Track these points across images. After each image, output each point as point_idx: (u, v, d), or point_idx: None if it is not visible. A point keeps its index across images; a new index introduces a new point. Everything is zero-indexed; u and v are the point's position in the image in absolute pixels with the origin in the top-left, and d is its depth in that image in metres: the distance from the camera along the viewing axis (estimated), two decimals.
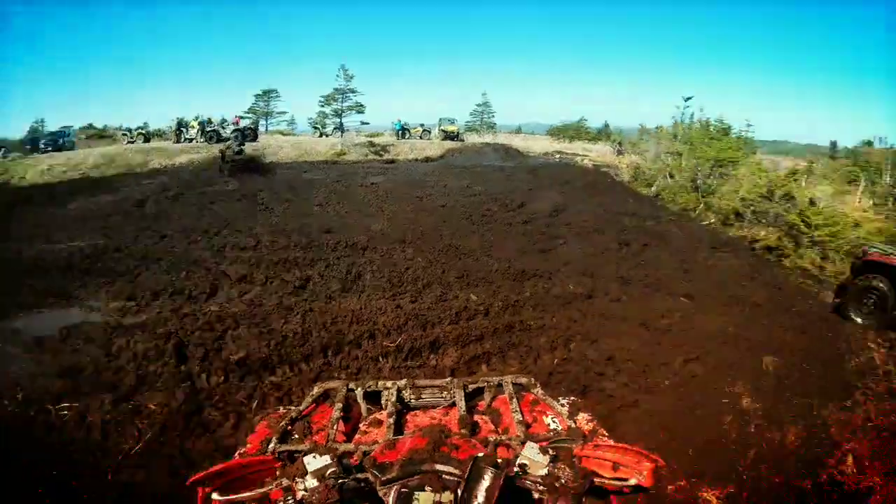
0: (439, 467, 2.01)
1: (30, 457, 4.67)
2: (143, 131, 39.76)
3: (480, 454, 2.01)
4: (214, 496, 2.09)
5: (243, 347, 6.60)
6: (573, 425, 2.91)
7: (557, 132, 56.46)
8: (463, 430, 2.75)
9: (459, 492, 1.90)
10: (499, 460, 2.01)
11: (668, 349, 7.56)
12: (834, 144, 49.79)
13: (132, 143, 37.86)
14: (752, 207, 16.89)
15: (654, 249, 12.79)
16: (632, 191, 20.65)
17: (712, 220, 17.44)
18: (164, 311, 7.76)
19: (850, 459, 5.98)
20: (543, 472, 2.16)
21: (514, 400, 3.13)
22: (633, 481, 2.33)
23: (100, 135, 51.55)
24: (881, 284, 9.53)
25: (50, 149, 35.57)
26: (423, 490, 1.94)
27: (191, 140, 34.31)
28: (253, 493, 2.13)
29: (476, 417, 3.12)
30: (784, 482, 5.59)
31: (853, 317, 9.78)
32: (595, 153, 36.94)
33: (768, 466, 5.71)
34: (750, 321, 8.81)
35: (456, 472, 1.98)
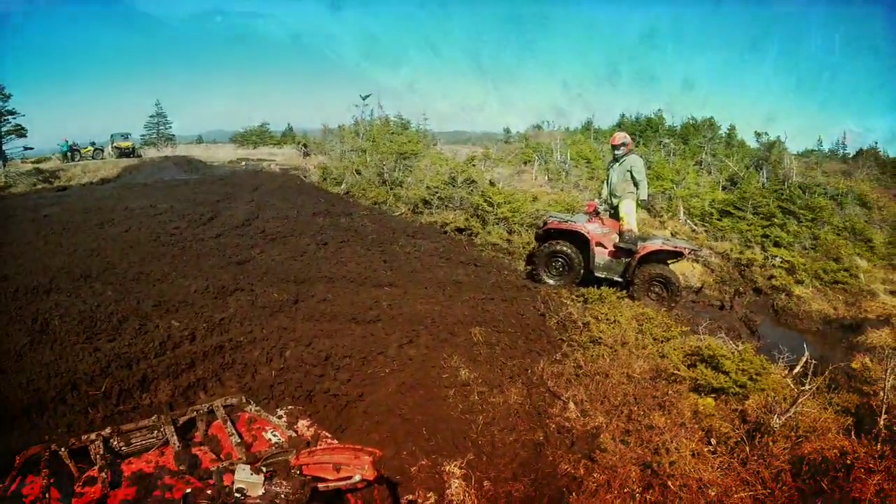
0: None
1: None
2: None
3: (189, 490, 2.11)
4: None
5: None
6: (294, 434, 3.13)
7: (241, 138, 55.53)
8: (181, 467, 2.84)
9: None
10: (208, 491, 2.11)
11: (381, 338, 7.94)
12: (507, 131, 54.47)
13: None
14: (437, 194, 18.06)
15: (352, 245, 13.19)
16: (322, 190, 20.88)
17: (403, 210, 18.36)
18: None
19: (571, 405, 6.82)
20: (261, 491, 2.32)
21: (229, 423, 3.23)
22: (357, 477, 2.58)
23: None
24: (565, 248, 11.01)
25: None
26: None
27: None
28: None
29: (194, 450, 3.15)
30: (517, 439, 6.27)
31: (546, 279, 11.35)
32: (281, 157, 36.87)
33: (499, 428, 6.34)
34: (454, 299, 9.54)
35: None
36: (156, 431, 3.40)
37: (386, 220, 16.87)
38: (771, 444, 5.95)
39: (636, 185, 10.75)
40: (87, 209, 18.86)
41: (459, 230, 15.97)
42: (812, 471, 5.40)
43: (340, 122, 30.22)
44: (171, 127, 63.59)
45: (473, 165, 20.86)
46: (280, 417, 3.35)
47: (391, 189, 19.90)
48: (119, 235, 14.36)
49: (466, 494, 5.36)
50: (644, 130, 44.52)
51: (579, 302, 9.80)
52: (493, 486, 5.56)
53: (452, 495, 5.31)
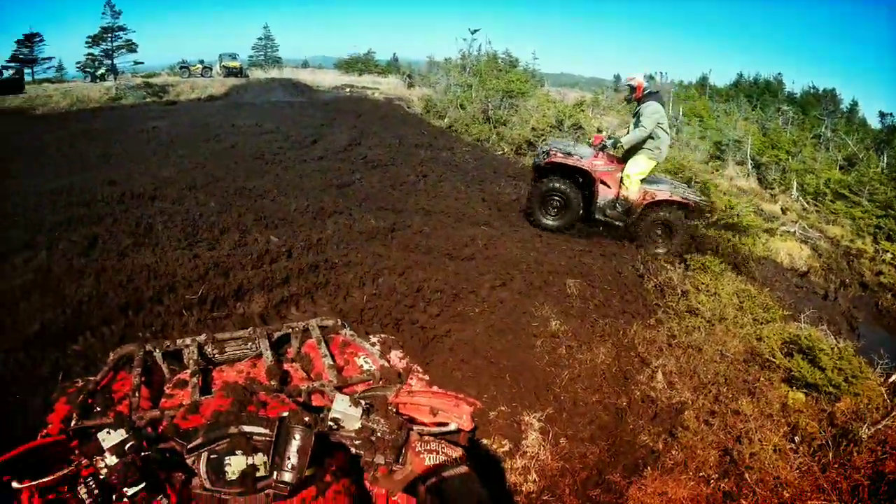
0: (247, 429, 1.97)
1: None
2: None
3: (286, 412, 1.98)
4: (14, 484, 2.00)
5: (37, 319, 6.18)
6: (386, 364, 2.99)
7: (346, 65, 55.48)
8: (272, 382, 2.74)
9: (272, 452, 1.87)
10: (307, 418, 1.98)
11: (474, 277, 7.73)
12: (618, 78, 52.33)
13: None
14: (543, 137, 17.39)
15: (452, 180, 13.02)
16: (425, 122, 20.72)
17: (505, 150, 17.92)
18: None
19: (659, 375, 6.51)
20: (357, 425, 2.16)
21: (323, 344, 3.13)
22: (453, 426, 2.41)
23: None
24: (562, 186, 9.88)
25: None
26: (234, 454, 1.91)
27: None
28: (55, 476, 2.01)
29: (286, 366, 3.07)
30: (600, 401, 6.04)
31: (542, 220, 10.24)
32: (386, 86, 36.52)
33: (583, 386, 6.11)
34: (551, 247, 9.24)
35: (266, 432, 1.94)
36: (250, 343, 3.33)
37: (488, 158, 16.55)
38: (855, 454, 5.50)
39: (652, 137, 9.27)
40: (194, 124, 19.35)
41: None
42: (891, 492, 4.98)
43: (447, 55, 29.72)
44: (277, 50, 64.43)
45: (582, 111, 20.07)
46: (373, 345, 3.18)
47: (494, 127, 19.33)
48: (224, 151, 14.61)
49: (542, 448, 5.23)
50: (762, 94, 42.25)
51: (680, 268, 9.29)
52: (569, 444, 5.39)
53: (528, 447, 5.21)
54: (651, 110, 9.11)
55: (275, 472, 1.89)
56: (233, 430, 1.95)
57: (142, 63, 50.02)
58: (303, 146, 15.37)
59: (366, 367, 3.09)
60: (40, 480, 2.03)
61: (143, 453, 1.79)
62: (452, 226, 9.80)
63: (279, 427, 1.88)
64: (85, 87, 35.09)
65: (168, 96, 29.96)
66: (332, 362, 3.00)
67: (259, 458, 1.90)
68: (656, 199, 9.51)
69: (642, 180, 9.44)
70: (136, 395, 2.72)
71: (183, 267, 7.36)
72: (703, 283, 8.58)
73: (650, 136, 9.20)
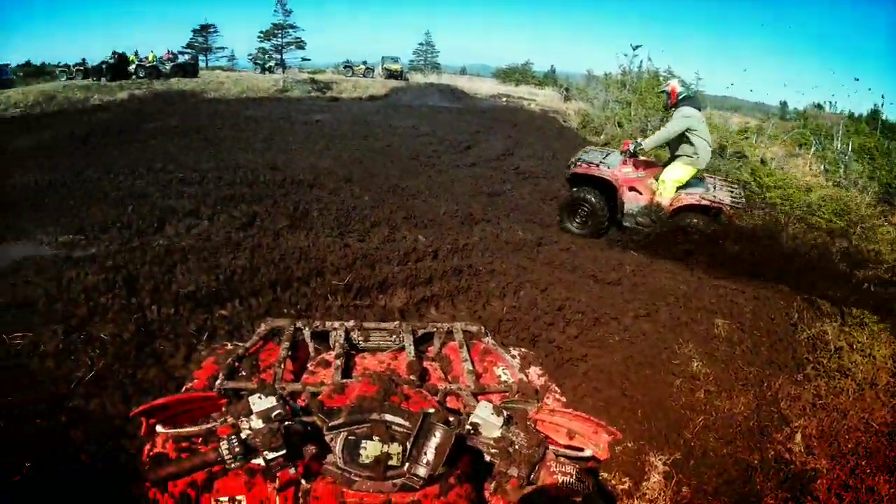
0: (388, 417, 1.96)
1: None
2: (82, 67, 38.46)
3: (432, 409, 2.00)
4: (158, 428, 2.08)
5: (193, 281, 6.59)
6: (524, 379, 2.97)
7: (504, 75, 55.71)
8: (412, 377, 2.76)
9: (408, 445, 1.87)
10: (450, 418, 1.99)
11: (618, 303, 7.35)
12: (784, 105, 49.62)
13: (72, 79, 36.69)
14: None
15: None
16: (580, 137, 20.41)
17: None
18: (113, 245, 7.73)
19: (798, 437, 6.08)
20: (497, 434, 2.14)
21: (465, 348, 3.12)
22: (588, 452, 2.35)
23: (38, 72, 49.86)
24: (588, 195, 9.77)
25: None
26: (371, 439, 1.90)
27: (130, 76, 33.40)
28: (197, 428, 2.11)
29: (425, 364, 3.11)
30: (731, 454, 5.76)
31: (569, 228, 10.04)
32: (542, 97, 36.20)
33: (716, 436, 5.84)
34: (701, 282, 8.89)
35: (406, 424, 1.93)
36: (394, 336, 3.35)
37: None
38: None
39: (689, 143, 8.94)
40: (354, 121, 20.04)
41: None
42: None
43: (606, 69, 29.16)
44: (437, 56, 65.85)
45: (745, 138, 19.11)
46: (514, 357, 3.13)
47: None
48: (381, 149, 15.02)
49: (662, 493, 4.94)
50: None
51: (836, 322, 8.62)
52: (691, 494, 5.11)
53: (648, 489, 4.93)
54: (681, 114, 8.86)
55: (409, 464, 1.87)
56: (375, 416, 1.96)
57: (309, 60, 52.93)
58: (457, 151, 15.53)
59: (504, 377, 3.02)
60: (184, 429, 2.12)
61: (286, 422, 1.79)
62: (601, 247, 9.55)
63: (422, 421, 1.86)
64: (254, 77, 37.23)
65: (331, 93, 31.12)
66: (471, 368, 2.95)
67: (394, 448, 1.88)
68: (683, 203, 9.06)
69: (679, 187, 9.08)
70: (282, 367, 2.78)
71: (333, 254, 7.60)
72: (858, 342, 8.00)
73: (687, 143, 8.94)
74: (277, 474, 1.85)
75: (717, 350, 6.84)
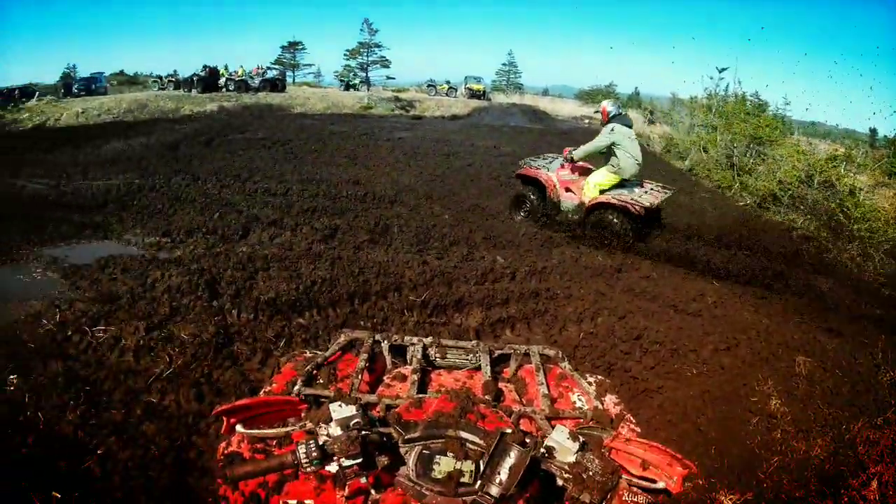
0: (464, 434, 1.95)
1: (65, 371, 4.89)
2: (174, 78, 40.09)
3: (508, 430, 1.96)
4: (238, 427, 2.16)
5: (273, 288, 6.70)
6: (600, 406, 2.89)
7: (586, 96, 55.25)
8: (487, 397, 2.73)
9: (482, 463, 1.84)
10: (527, 440, 1.95)
11: (697, 335, 7.12)
12: (874, 132, 47.63)
13: (163, 89, 38.35)
14: (789, 192, 15.98)
15: (690, 228, 12.45)
16: (664, 162, 20.09)
17: (748, 202, 16.58)
18: (197, 249, 7.95)
19: (874, 485, 5.81)
20: (571, 459, 2.09)
21: (541, 372, 3.07)
22: (661, 485, 2.26)
23: (131, 81, 52.39)
24: (527, 192, 11.27)
25: (83, 93, 36.63)
26: (445, 455, 1.91)
27: (219, 89, 34.65)
28: (276, 430, 2.19)
29: (500, 385, 3.08)
30: (804, 498, 5.51)
31: (515, 217, 11.27)
32: None
33: (790, 478, 5.61)
34: (785, 317, 8.59)
35: (480, 442, 1.91)
36: (470, 355, 3.32)
37: (727, 209, 15.52)
38: None
39: (614, 154, 10.12)
40: (436, 139, 20.24)
41: (806, 238, 13.80)
42: None
43: (692, 92, 28.46)
44: (520, 76, 65.97)
45: (835, 167, 18.32)
46: (590, 384, 3.05)
47: (738, 175, 18.00)
48: (462, 168, 15.08)
49: None
50: None
51: None
52: None
53: None
54: (608, 130, 10.08)
55: (482, 483, 1.83)
56: (451, 432, 1.94)
57: (393, 78, 53.78)
58: None
59: (579, 404, 2.94)
60: (263, 431, 2.19)
61: (363, 432, 1.79)
62: (681, 276, 9.32)
63: (498, 441, 1.81)
64: (339, 94, 38.04)
65: (414, 111, 31.62)
66: (546, 392, 2.88)
67: (467, 465, 1.86)
68: (596, 201, 10.17)
69: (607, 190, 10.12)
70: (359, 377, 2.80)
71: (411, 270, 7.59)
72: None
73: (613, 154, 10.06)
74: (347, 483, 1.86)
75: (796, 389, 6.56)
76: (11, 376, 4.86)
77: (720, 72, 22.90)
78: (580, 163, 10.77)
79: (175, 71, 41.83)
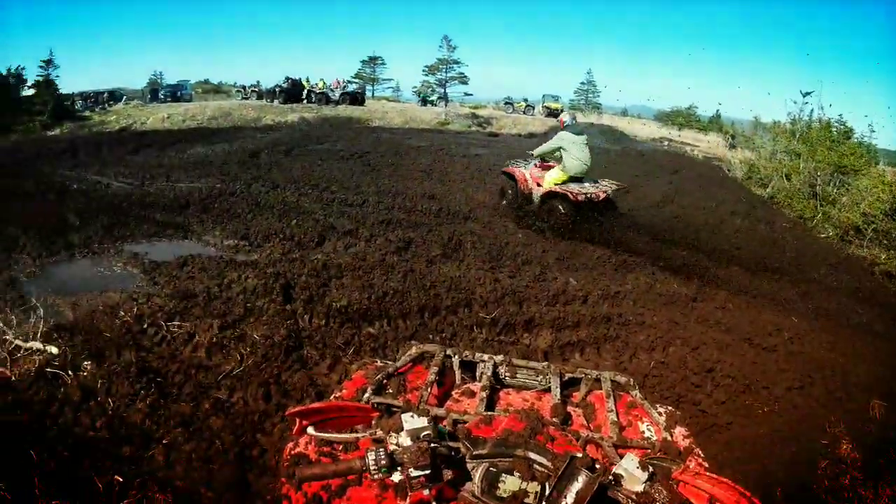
0: (532, 455, 1.94)
1: (138, 361, 5.05)
2: (257, 89, 41.35)
3: (578, 454, 1.94)
4: (310, 429, 2.19)
5: (346, 296, 6.78)
6: (669, 438, 2.83)
7: (666, 118, 54.34)
8: (555, 419, 2.71)
9: (548, 485, 1.82)
10: (597, 465, 1.93)
11: (771, 371, 6.93)
12: None
13: (246, 99, 39.59)
14: (873, 225, 15.03)
15: (770, 259, 12.13)
16: (745, 189, 19.54)
17: (830, 234, 15.72)
18: (274, 254, 8.14)
19: None
20: (639, 488, 2.05)
21: (611, 398, 3.04)
22: None
23: (215, 90, 54.54)
24: (506, 185, 13.28)
25: (169, 99, 38.63)
26: (512, 474, 1.88)
27: (301, 100, 35.52)
28: (345, 435, 2.22)
29: (569, 408, 3.06)
30: None
31: (501, 202, 13.18)
32: (705, 144, 34.81)
33: None
34: (861, 356, 8.26)
35: (548, 464, 1.90)
36: (540, 376, 3.28)
37: (808, 240, 14.76)
38: None
39: (561, 158, 11.84)
40: (512, 156, 20.01)
41: (889, 275, 13.35)
42: None
43: (775, 116, 27.52)
44: (599, 95, 65.35)
45: None
46: (660, 415, 2.97)
47: (821, 205, 17.12)
48: None
49: None
50: None
51: None
52: None
53: None
54: (557, 136, 11.81)
55: None
56: (519, 451, 1.95)
57: (471, 94, 54.15)
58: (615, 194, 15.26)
59: (647, 434, 2.88)
60: (333, 435, 2.21)
61: (432, 444, 1.79)
62: (757, 308, 9.02)
63: (567, 464, 1.79)
64: (417, 109, 38.48)
65: (491, 128, 31.67)
66: (615, 419, 2.84)
67: (532, 486, 1.81)
68: (546, 190, 11.81)
69: (558, 184, 11.62)
70: (428, 390, 2.83)
71: (483, 287, 7.56)
72: None
73: (561, 156, 11.76)
74: (411, 493, 1.86)
75: (870, 435, 6.31)
76: (86, 362, 5.07)
77: (804, 96, 22.15)
78: (548, 162, 12.45)
79: (258, 81, 43.38)
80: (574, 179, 11.81)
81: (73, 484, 3.70)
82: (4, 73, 30.75)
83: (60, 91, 33.82)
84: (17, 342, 5.32)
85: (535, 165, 12.61)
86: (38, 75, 34.33)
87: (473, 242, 9.48)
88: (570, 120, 12.35)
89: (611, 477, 2.02)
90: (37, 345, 5.25)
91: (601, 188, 11.75)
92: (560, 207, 11.63)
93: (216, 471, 3.91)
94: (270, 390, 4.97)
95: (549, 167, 12.36)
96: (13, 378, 4.81)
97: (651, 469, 2.08)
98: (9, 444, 3.88)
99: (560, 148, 11.80)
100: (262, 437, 4.38)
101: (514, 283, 7.90)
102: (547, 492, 1.81)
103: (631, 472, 2.01)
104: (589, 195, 11.46)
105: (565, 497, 1.75)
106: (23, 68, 32.21)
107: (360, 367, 3.17)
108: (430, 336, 6.35)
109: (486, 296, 7.32)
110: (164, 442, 4.13)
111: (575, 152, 11.69)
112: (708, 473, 2.42)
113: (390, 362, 3.18)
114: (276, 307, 6.37)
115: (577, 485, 1.75)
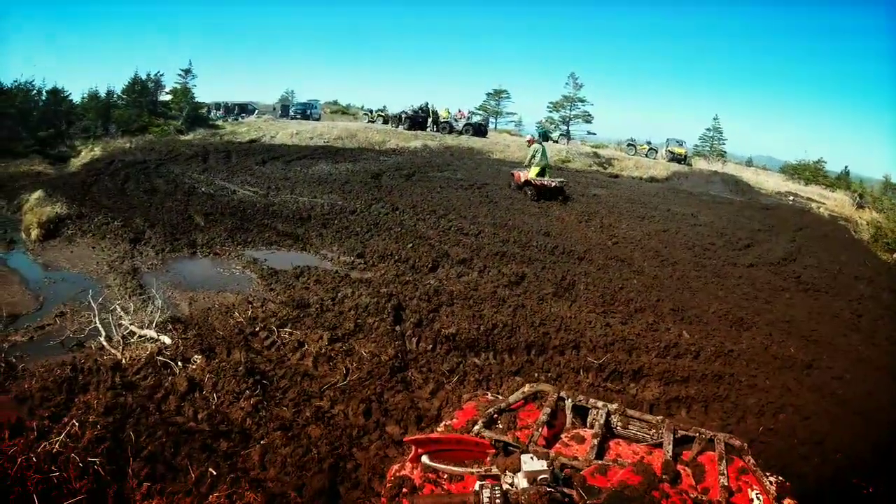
0: None
1: (246, 362, 5.22)
2: (383, 113, 42.51)
3: None
4: (425, 458, 2.22)
5: (455, 324, 6.83)
6: None
7: (792, 171, 52.30)
8: (665, 477, 2.66)
9: None
10: None
11: (884, 445, 6.68)
12: None
13: (371, 122, 40.76)
14: None
15: (893, 330, 11.41)
16: (870, 253, 18.62)
17: None
18: (388, 274, 8.32)
19: None
20: None
21: (723, 462, 2.98)
22: None
23: (343, 111, 56.47)
24: (510, 179, 20.06)
25: (298, 116, 40.62)
26: None
27: (425, 127, 36.25)
28: (458, 468, 2.23)
29: (678, 467, 3.00)
30: None
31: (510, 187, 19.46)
32: (832, 202, 33.24)
33: None
34: None
35: None
36: (653, 430, 3.21)
37: None
38: None
39: (533, 160, 18.43)
40: (632, 200, 20.04)
41: None
42: None
43: None
44: (724, 143, 63.49)
45: None
46: (771, 484, 2.86)
47: None
48: (656, 233, 14.70)
49: None
50: None
51: None
52: None
53: None
54: (532, 148, 18.61)
55: None
56: None
57: (594, 134, 53.74)
58: (735, 248, 14.70)
59: (756, 502, 2.80)
60: (446, 466, 2.24)
61: (548, 489, 1.79)
62: (881, 380, 8.49)
63: None
64: (545, 146, 38.46)
65: (612, 169, 31.32)
66: (725, 483, 2.76)
67: None
68: (524, 180, 18.33)
69: (536, 175, 18.05)
70: (539, 430, 2.84)
71: (593, 330, 7.42)
72: None
73: (532, 159, 18.32)
74: None
75: None
76: (196, 356, 5.29)
77: None
78: (529, 166, 18.59)
79: (384, 106, 44.66)
80: (541, 174, 18.27)
81: (167, 469, 3.84)
82: (144, 77, 32.76)
83: (196, 99, 35.94)
84: (133, 328, 5.64)
85: (523, 170, 19.02)
86: (175, 82, 36.26)
87: (587, 284, 9.32)
88: (536, 135, 22.45)
89: None
90: (151, 333, 5.56)
91: (553, 181, 18.41)
92: (529, 190, 18.01)
93: (308, 478, 3.97)
94: (371, 407, 5.04)
95: (528, 169, 18.83)
96: (123, 361, 5.11)
97: None
98: (110, 423, 4.07)
99: (533, 155, 18.45)
100: (358, 451, 4.42)
101: (626, 329, 7.74)
102: None
103: None
104: (545, 183, 18.09)
105: None
106: (162, 74, 34.30)
107: (471, 398, 3.30)
108: (536, 374, 6.27)
109: (595, 339, 7.20)
110: (261, 443, 4.24)
111: (538, 158, 18.34)
112: None
113: (502, 397, 3.21)
114: (385, 327, 6.50)
115: None
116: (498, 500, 1.74)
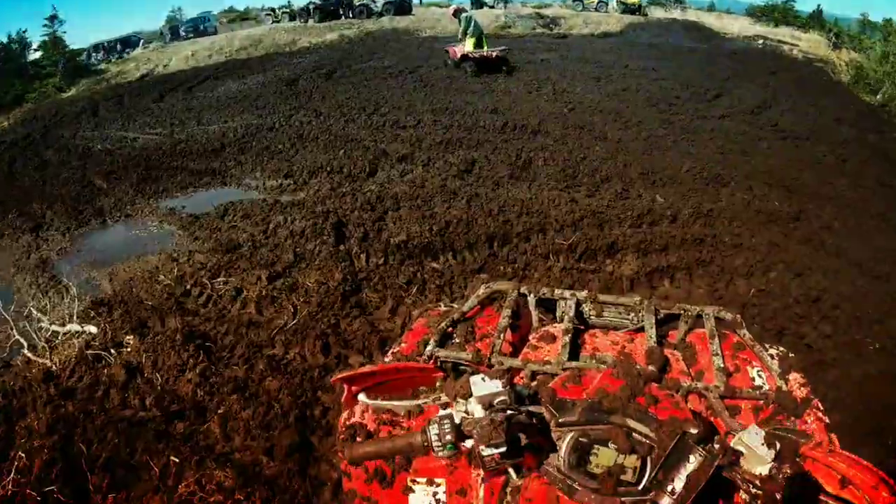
0: (632, 423, 1.75)
1: (184, 327, 5.15)
2: (288, 10, 41.14)
3: (692, 430, 1.75)
4: (361, 397, 2.14)
5: (404, 230, 6.82)
6: (784, 388, 2.64)
7: (760, 13, 51.85)
8: (651, 367, 2.58)
9: (650, 461, 1.68)
10: (716, 446, 1.74)
11: (886, 302, 6.44)
12: None
13: (277, 22, 39.55)
14: None
15: (881, 172, 11.59)
16: (851, 94, 18.60)
17: None
18: (322, 190, 8.24)
19: None
20: (763, 471, 1.86)
21: (716, 339, 2.87)
22: None
23: (242, 17, 54.50)
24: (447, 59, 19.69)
25: (191, 35, 39.08)
26: (606, 445, 1.73)
27: (339, 16, 35.32)
28: (405, 403, 2.14)
29: (665, 351, 2.90)
30: None
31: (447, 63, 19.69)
32: (805, 43, 32.94)
33: None
34: None
35: (651, 434, 1.72)
36: (632, 314, 3.09)
37: None
38: None
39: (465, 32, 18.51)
40: (584, 60, 19.86)
41: None
42: None
43: (886, 14, 25.96)
44: None
45: None
46: (772, 358, 2.77)
47: None
48: (615, 93, 14.66)
49: None
50: None
51: None
52: None
53: None
54: (464, 16, 18.75)
55: (649, 486, 1.66)
56: (616, 419, 1.76)
57: None
58: (703, 100, 14.66)
59: (758, 382, 2.68)
60: (390, 403, 2.17)
61: (509, 413, 1.65)
62: (873, 228, 8.61)
63: (678, 441, 1.62)
64: (473, 13, 37.65)
65: (559, 29, 30.87)
66: (721, 364, 2.65)
67: (630, 461, 1.67)
68: (464, 54, 18.10)
69: (473, 47, 18.16)
70: (501, 337, 2.70)
71: (558, 209, 7.44)
72: None
73: (465, 31, 18.42)
74: (483, 472, 1.77)
75: None
76: (128, 337, 5.22)
77: None
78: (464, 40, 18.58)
79: (289, 1, 43.03)
80: (478, 45, 18.29)
81: (128, 471, 3.83)
82: (6, 40, 31.39)
83: (70, 48, 34.58)
84: (54, 327, 5.52)
85: (458, 44, 18.92)
86: (43, 35, 34.59)
87: (545, 159, 9.33)
88: (459, 4, 22.53)
89: (731, 456, 1.83)
90: (74, 327, 5.46)
91: (493, 50, 18.29)
92: (467, 63, 18.02)
93: (276, 437, 3.98)
94: (329, 342, 5.05)
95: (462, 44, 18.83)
96: (54, 367, 4.97)
97: (779, 446, 1.88)
98: (58, 440, 4.03)
99: (465, 24, 18.43)
100: (324, 394, 4.44)
101: (594, 202, 7.82)
102: (649, 470, 1.66)
103: (755, 448, 1.80)
104: (484, 55, 18.06)
105: (673, 480, 1.62)
106: (25, 31, 32.50)
107: (421, 313, 3.13)
108: (501, 268, 6.31)
109: (562, 219, 7.25)
110: (218, 412, 4.23)
111: (470, 27, 18.30)
112: (844, 452, 2.23)
113: (456, 306, 3.08)
114: (328, 249, 6.47)
115: (690, 466, 1.62)
116: (449, 437, 1.60)
